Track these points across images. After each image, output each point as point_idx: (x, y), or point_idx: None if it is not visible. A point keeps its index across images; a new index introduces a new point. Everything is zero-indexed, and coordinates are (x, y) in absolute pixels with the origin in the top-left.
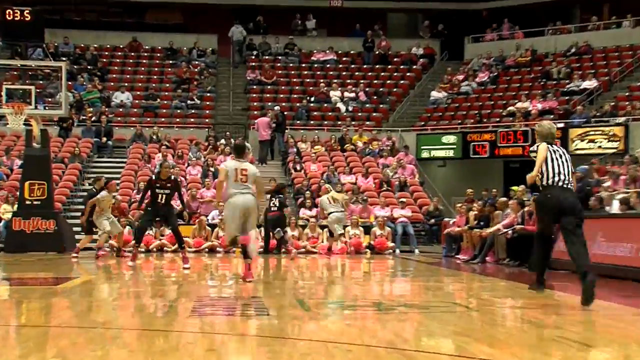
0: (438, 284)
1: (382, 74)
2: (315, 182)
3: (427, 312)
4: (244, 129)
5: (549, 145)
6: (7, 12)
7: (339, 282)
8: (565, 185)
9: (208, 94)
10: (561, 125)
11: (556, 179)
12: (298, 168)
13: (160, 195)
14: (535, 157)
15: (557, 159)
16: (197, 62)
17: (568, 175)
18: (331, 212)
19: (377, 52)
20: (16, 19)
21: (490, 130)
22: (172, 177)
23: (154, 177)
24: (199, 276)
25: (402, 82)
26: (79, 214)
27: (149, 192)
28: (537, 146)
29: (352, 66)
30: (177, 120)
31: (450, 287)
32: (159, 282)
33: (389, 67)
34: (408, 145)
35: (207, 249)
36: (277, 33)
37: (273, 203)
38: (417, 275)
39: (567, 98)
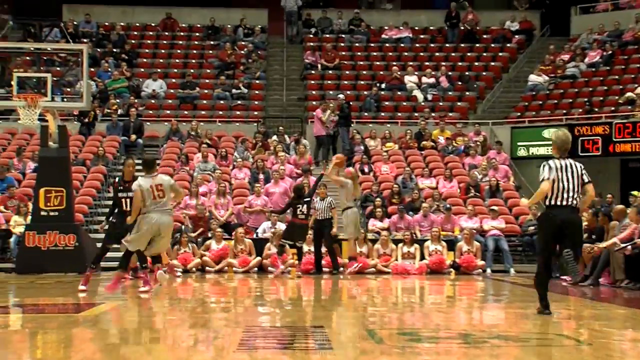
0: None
1: (469, 54)
2: (388, 187)
3: (527, 346)
4: (300, 123)
5: (558, 160)
6: None
7: (417, 308)
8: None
9: (257, 81)
10: None
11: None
12: (366, 170)
13: (124, 201)
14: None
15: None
16: (243, 43)
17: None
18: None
19: (462, 28)
20: None
21: (603, 122)
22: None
23: (116, 179)
24: (246, 301)
25: (493, 64)
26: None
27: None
28: (546, 166)
29: (432, 45)
30: (220, 113)
31: (555, 315)
32: (199, 308)
33: (477, 45)
34: (501, 141)
35: (255, 268)
36: (341, 6)
37: (300, 210)
38: (513, 301)
39: None
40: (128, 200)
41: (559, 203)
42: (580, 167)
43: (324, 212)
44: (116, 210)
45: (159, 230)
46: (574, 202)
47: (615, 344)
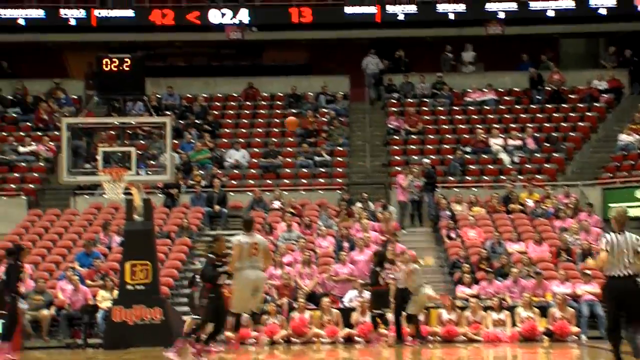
0: None
1: (555, 114)
2: (475, 253)
3: None
4: (384, 189)
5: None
6: (104, 62)
7: None
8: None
9: (340, 148)
10: None
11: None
12: (453, 235)
13: (222, 276)
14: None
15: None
16: (325, 110)
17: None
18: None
19: (548, 88)
20: (114, 69)
21: None
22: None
23: (210, 255)
24: None
25: (581, 124)
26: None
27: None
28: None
29: (517, 107)
30: (303, 181)
31: None
32: None
33: (564, 106)
34: (592, 202)
35: (342, 338)
36: (423, 70)
37: (382, 277)
38: None
39: None
40: (224, 275)
41: (615, 275)
42: (636, 238)
43: (404, 281)
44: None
45: (256, 286)
46: (630, 272)
47: None
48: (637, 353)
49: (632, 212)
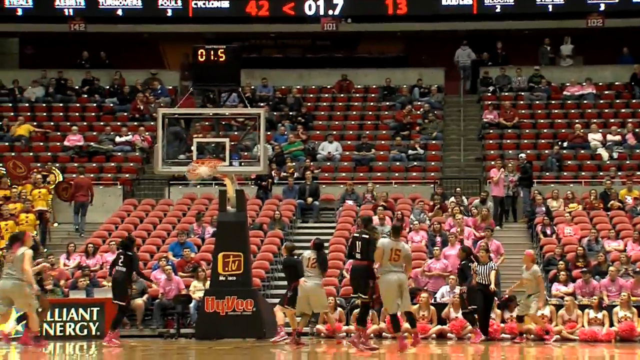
0: None
1: None
2: (572, 250)
3: None
4: (478, 184)
5: None
6: (199, 52)
7: None
8: None
9: (433, 142)
10: None
11: None
12: (548, 232)
13: None
14: None
15: None
16: (420, 103)
17: None
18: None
19: None
20: (210, 60)
21: None
22: None
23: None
24: None
25: None
26: (280, 291)
27: None
28: None
29: (617, 101)
30: (396, 174)
31: None
32: None
33: None
34: None
35: (434, 334)
36: (519, 63)
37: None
38: None
39: None
40: None
41: None
42: None
43: (485, 277)
44: None
45: (399, 287)
46: None
47: None
48: None
49: None
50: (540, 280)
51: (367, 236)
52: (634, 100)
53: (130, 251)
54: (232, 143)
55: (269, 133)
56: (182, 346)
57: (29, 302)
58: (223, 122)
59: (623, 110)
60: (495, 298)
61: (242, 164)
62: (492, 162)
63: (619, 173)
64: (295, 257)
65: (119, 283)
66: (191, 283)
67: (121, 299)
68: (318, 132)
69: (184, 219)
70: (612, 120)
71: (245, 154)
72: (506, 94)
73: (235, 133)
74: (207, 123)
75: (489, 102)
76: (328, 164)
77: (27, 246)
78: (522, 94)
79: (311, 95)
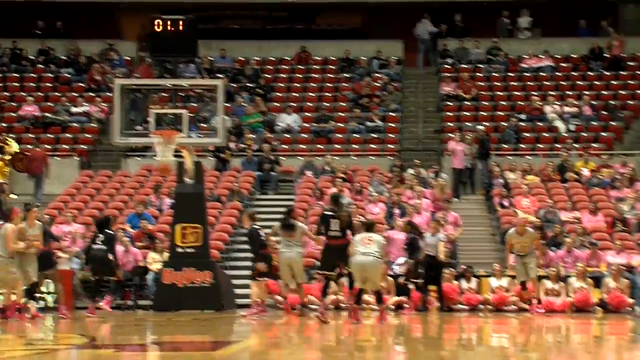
0: None
1: (614, 82)
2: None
3: None
4: (437, 156)
5: None
6: (156, 22)
7: (563, 348)
8: None
9: (392, 114)
10: None
11: None
12: (506, 204)
13: None
14: None
15: None
16: (378, 75)
17: None
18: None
19: (607, 55)
20: (167, 30)
21: None
22: None
23: None
24: (388, 339)
25: (639, 92)
26: (239, 263)
27: None
28: None
29: (574, 74)
30: (355, 146)
31: None
32: (333, 347)
33: (623, 73)
34: None
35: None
36: (478, 36)
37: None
38: None
39: None
40: None
41: None
42: None
43: (433, 248)
44: None
45: (363, 268)
46: None
47: None
48: None
49: None
50: (538, 243)
51: (345, 214)
52: (590, 73)
53: (109, 229)
54: (190, 114)
55: (227, 105)
56: (140, 318)
57: (12, 277)
58: (181, 94)
59: (580, 83)
60: (453, 269)
61: (200, 135)
62: (451, 135)
63: (576, 145)
64: (257, 226)
65: (102, 260)
66: (148, 255)
67: (111, 274)
68: (277, 104)
69: (141, 191)
70: (569, 93)
71: (204, 125)
72: (464, 66)
73: (194, 105)
74: (164, 94)
75: (448, 75)
76: (287, 135)
77: (15, 223)
78: (481, 66)
79: (270, 67)
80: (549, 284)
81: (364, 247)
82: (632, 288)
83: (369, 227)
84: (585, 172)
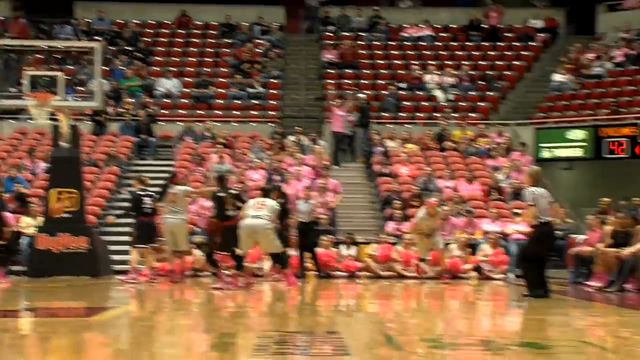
0: (563, 318)
1: (491, 53)
2: (408, 190)
3: (549, 354)
4: (318, 123)
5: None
6: None
7: (438, 314)
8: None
9: (274, 81)
10: None
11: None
12: (385, 171)
13: None
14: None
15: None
16: (260, 41)
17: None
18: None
19: (484, 26)
20: None
21: (630, 122)
22: None
23: None
24: (261, 306)
25: (516, 63)
26: (116, 229)
27: None
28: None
29: (453, 44)
30: (236, 113)
31: (579, 322)
32: (213, 313)
33: (500, 44)
34: (525, 142)
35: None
36: (360, 4)
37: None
38: (537, 307)
39: None
40: None
41: (545, 221)
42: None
43: (308, 215)
44: None
45: (253, 231)
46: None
47: None
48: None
49: (563, 153)
50: (443, 221)
51: (236, 192)
52: (469, 43)
53: None
54: (67, 77)
55: (105, 68)
56: (14, 283)
57: None
58: (57, 56)
59: (459, 53)
60: (332, 236)
61: (77, 98)
62: (332, 102)
63: (454, 114)
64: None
65: None
66: (21, 219)
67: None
68: (156, 68)
69: (15, 154)
70: (448, 63)
71: (81, 88)
72: (346, 34)
73: (70, 67)
74: (39, 56)
75: (329, 42)
76: (166, 100)
77: None
78: (362, 34)
79: (149, 31)
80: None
81: (255, 211)
82: (507, 255)
83: (266, 192)
84: (463, 141)
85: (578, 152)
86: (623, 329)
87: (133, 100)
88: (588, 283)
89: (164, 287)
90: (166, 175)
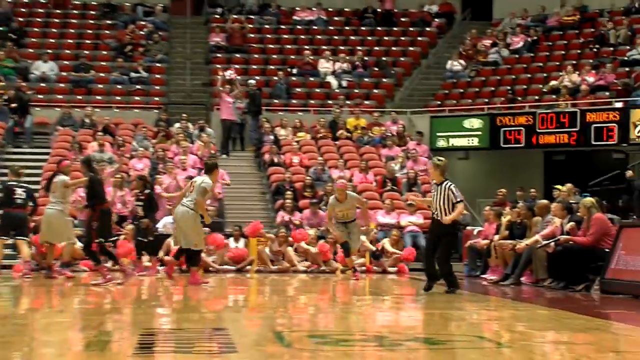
0: (458, 312)
1: (386, 38)
2: (300, 180)
3: (444, 349)
4: (205, 110)
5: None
6: None
7: (329, 309)
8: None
9: (158, 65)
10: (619, 105)
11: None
12: (276, 161)
13: None
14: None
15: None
16: (143, 23)
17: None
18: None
19: (379, 11)
20: None
21: (526, 111)
22: None
23: None
24: (145, 301)
25: (411, 49)
26: None
27: None
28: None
29: (347, 28)
30: (118, 98)
31: (474, 316)
32: (91, 309)
33: (395, 29)
34: (421, 131)
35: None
36: None
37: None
38: (431, 301)
39: (627, 69)
40: None
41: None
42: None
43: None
44: None
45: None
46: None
47: (536, 345)
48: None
49: (459, 142)
50: (364, 205)
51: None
52: (363, 28)
53: None
54: None
55: None
56: None
57: None
58: None
59: (353, 38)
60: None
61: None
62: (220, 88)
63: (348, 102)
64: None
65: None
66: None
67: None
68: (31, 50)
69: None
70: (341, 48)
71: None
72: (235, 16)
73: None
74: None
75: (217, 25)
76: (42, 84)
77: None
78: (252, 17)
79: (23, 10)
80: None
81: (188, 196)
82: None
83: (209, 168)
84: (357, 130)
85: (474, 142)
86: (518, 323)
87: (5, 84)
88: (483, 276)
89: (39, 282)
90: (42, 164)
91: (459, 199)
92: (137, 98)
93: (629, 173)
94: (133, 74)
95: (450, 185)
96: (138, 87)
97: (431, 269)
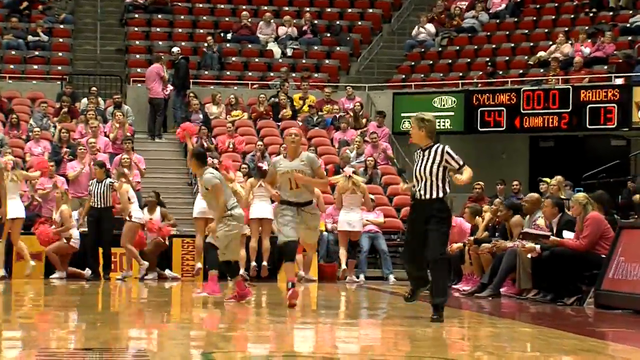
0: (424, 330)
1: None
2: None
3: None
4: (120, 83)
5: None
6: None
7: (274, 323)
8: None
9: (61, 26)
10: (619, 81)
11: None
12: (205, 145)
13: None
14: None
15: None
16: None
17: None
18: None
19: None
20: None
21: (509, 88)
22: None
23: None
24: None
25: (370, 11)
26: None
27: None
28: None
29: None
30: (11, 67)
31: (444, 334)
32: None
33: None
34: (383, 111)
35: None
36: None
37: None
38: (393, 316)
39: (629, 39)
40: None
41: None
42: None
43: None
44: None
45: None
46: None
47: None
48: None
49: None
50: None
51: None
52: None
53: None
54: None
55: None
56: None
57: None
58: None
59: None
60: None
61: None
62: (137, 56)
63: (293, 75)
64: None
65: None
66: None
67: None
68: None
69: None
70: (286, 9)
71: None
72: None
73: None
74: None
75: None
76: None
77: None
78: None
79: None
80: None
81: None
82: (356, 252)
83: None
84: (304, 108)
85: (446, 124)
86: (496, 343)
87: None
88: (456, 287)
89: None
90: None
91: (462, 162)
92: (35, 67)
93: (637, 198)
94: (30, 37)
95: (445, 147)
96: (36, 53)
97: (419, 269)
